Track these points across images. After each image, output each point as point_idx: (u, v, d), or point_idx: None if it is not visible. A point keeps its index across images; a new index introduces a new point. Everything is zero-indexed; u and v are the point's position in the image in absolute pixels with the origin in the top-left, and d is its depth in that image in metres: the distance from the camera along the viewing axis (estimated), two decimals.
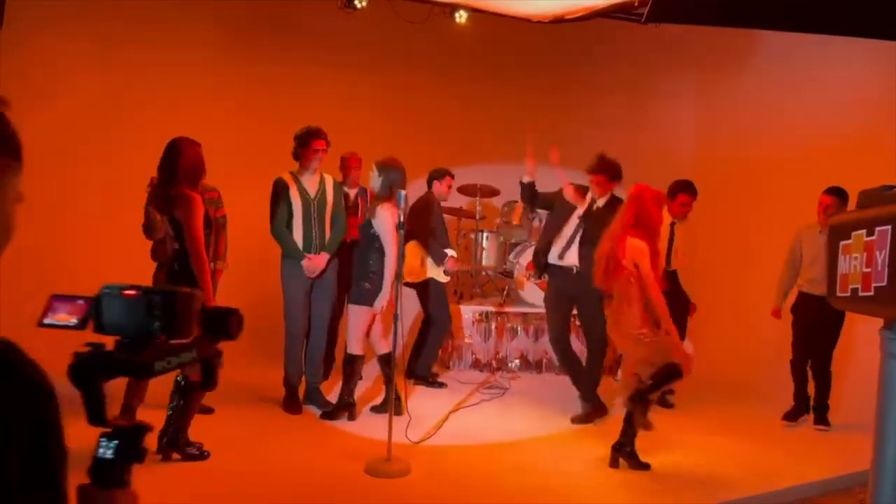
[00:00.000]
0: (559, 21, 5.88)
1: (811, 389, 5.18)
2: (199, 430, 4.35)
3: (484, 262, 6.79)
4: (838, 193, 4.87)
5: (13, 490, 0.81)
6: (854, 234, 2.04)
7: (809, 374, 5.17)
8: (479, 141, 7.08)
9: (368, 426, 4.64)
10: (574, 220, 5.14)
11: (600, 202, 5.05)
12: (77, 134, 5.57)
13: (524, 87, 7.40)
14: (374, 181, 4.71)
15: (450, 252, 5.83)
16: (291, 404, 5.01)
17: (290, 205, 4.96)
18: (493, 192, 6.87)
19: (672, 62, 7.00)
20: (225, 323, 1.25)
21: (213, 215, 4.88)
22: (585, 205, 5.11)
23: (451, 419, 5.00)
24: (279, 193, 5.00)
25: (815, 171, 5.45)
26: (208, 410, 4.84)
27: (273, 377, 5.14)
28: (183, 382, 3.98)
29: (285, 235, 4.98)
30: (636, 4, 4.91)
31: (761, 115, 6.30)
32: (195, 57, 6.21)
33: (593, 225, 4.84)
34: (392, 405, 4.32)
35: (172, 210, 3.88)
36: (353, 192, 5.68)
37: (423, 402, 5.30)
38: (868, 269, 1.96)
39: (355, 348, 4.81)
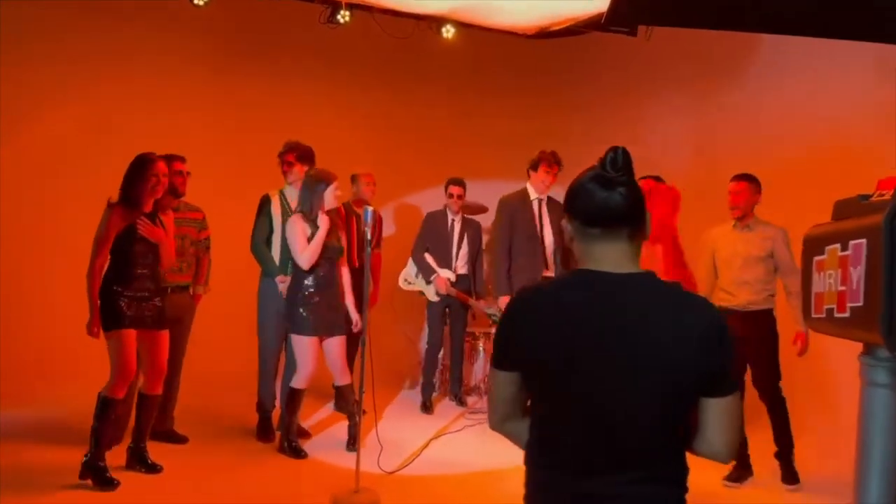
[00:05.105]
0: (544, 34, 5.72)
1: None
2: (167, 460, 4.18)
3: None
4: (749, 178, 4.30)
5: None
6: (828, 248, 1.84)
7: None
8: (467, 157, 6.90)
9: (343, 455, 4.43)
10: None
11: None
12: (63, 157, 5.44)
13: (513, 102, 7.22)
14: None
15: (444, 272, 5.68)
16: (264, 431, 4.80)
17: (270, 220, 4.82)
18: (481, 210, 6.70)
19: (666, 75, 6.82)
20: None
21: (196, 237, 4.73)
22: None
23: (431, 447, 4.77)
24: (262, 209, 4.89)
25: (816, 182, 5.23)
26: (182, 440, 4.66)
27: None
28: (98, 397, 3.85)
29: (263, 252, 4.83)
30: None
31: (760, 126, 6.07)
32: (178, 76, 6.05)
33: None
34: (358, 435, 4.09)
35: None
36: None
37: (402, 429, 5.07)
38: (843, 288, 1.76)
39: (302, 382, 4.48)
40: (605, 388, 1.45)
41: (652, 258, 3.88)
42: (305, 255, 4.31)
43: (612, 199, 1.50)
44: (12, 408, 4.68)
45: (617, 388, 1.45)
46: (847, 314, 1.76)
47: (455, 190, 5.80)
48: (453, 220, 5.84)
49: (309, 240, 4.32)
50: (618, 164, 1.50)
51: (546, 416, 1.56)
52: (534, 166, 5.33)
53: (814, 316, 1.92)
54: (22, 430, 4.53)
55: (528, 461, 1.60)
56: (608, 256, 1.51)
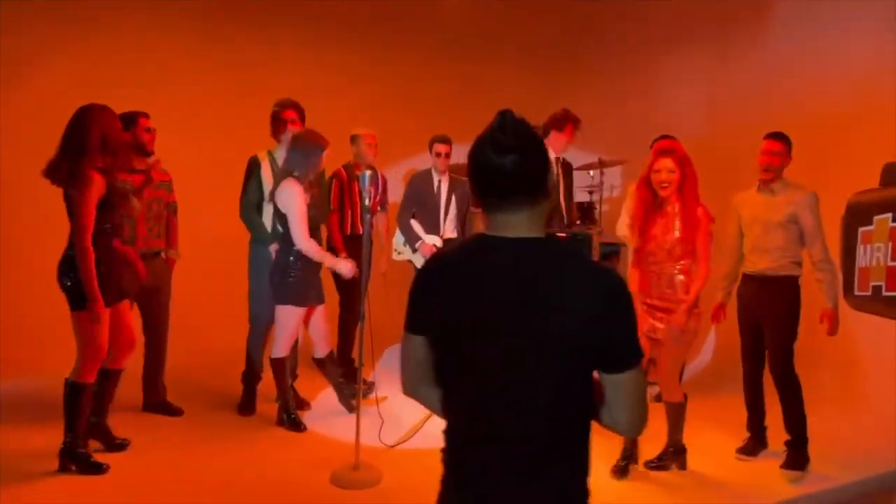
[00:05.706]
0: None
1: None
2: (161, 434, 4.09)
3: None
4: (786, 139, 3.91)
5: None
6: (876, 218, 1.63)
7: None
8: (474, 120, 6.63)
9: (341, 427, 4.29)
10: None
11: None
12: (47, 121, 5.22)
13: (522, 62, 6.96)
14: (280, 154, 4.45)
15: (430, 238, 5.42)
16: (246, 404, 4.64)
17: (261, 184, 4.63)
18: None
19: (681, 36, 6.55)
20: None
21: (168, 199, 4.54)
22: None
23: (433, 419, 4.61)
24: (251, 172, 4.68)
25: (839, 145, 5.01)
26: (177, 412, 4.54)
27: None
28: (66, 384, 3.60)
29: (253, 218, 4.64)
30: None
31: (782, 87, 5.78)
32: (165, 38, 5.80)
33: None
34: (359, 403, 3.93)
35: (68, 186, 3.49)
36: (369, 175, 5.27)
37: (402, 401, 4.91)
38: (894, 263, 1.56)
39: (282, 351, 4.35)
40: (500, 358, 1.43)
41: (696, 222, 3.66)
42: (309, 247, 4.12)
43: (505, 165, 1.45)
44: (10, 379, 4.55)
45: (512, 358, 1.42)
46: None
47: (441, 148, 5.37)
48: (439, 181, 5.46)
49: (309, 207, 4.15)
50: (506, 129, 1.46)
51: (447, 384, 1.56)
52: (559, 126, 5.06)
53: (857, 293, 1.73)
54: (21, 403, 4.42)
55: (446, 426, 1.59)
56: (506, 222, 1.48)
